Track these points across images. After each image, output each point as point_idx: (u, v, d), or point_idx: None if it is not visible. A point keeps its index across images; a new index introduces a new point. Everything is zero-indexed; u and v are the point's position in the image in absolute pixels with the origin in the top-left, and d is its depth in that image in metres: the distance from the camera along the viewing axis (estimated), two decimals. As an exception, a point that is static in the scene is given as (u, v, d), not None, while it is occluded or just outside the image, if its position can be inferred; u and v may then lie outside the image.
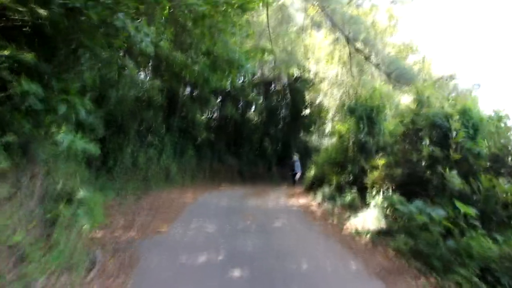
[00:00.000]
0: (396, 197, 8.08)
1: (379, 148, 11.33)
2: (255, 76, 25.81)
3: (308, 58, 19.16)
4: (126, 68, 11.18)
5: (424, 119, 8.58)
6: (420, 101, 9.20)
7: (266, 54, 19.02)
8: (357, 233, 8.14)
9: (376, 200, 9.28)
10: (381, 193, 9.43)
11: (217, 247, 6.69)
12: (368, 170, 10.94)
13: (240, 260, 6.06)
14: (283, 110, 29.38)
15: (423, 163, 8.43)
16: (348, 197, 11.26)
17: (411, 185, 8.54)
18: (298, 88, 26.99)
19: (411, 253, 6.06)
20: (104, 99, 11.68)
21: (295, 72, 21.51)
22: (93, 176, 12.19)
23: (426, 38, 50.60)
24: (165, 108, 18.35)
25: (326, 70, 17.53)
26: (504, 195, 6.35)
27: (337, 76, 16.70)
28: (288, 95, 28.29)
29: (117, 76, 11.50)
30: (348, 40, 12.45)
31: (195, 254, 6.25)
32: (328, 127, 18.15)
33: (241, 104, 26.15)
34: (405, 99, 12.75)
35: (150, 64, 15.09)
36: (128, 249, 6.34)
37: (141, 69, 14.31)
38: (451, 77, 12.65)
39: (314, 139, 20.97)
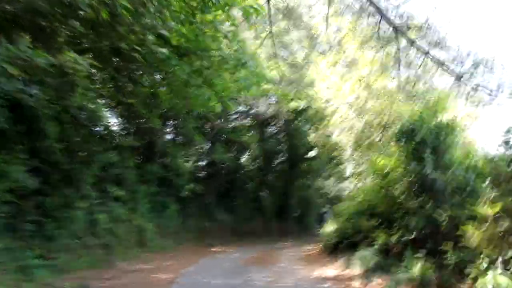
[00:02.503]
0: None
1: (456, 188, 7.38)
2: (249, 114, 22.24)
3: (315, 86, 15.67)
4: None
5: None
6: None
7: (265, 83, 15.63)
8: None
9: (494, 279, 5.20)
10: (498, 263, 5.37)
11: None
12: (446, 223, 6.96)
13: None
14: (282, 154, 25.48)
15: None
16: (415, 268, 7.11)
17: None
18: (299, 127, 23.40)
19: None
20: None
21: (300, 103, 17.96)
22: (18, 249, 7.99)
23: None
24: (138, 151, 14.36)
25: (343, 95, 13.94)
26: None
27: (358, 99, 13.06)
28: (288, 136, 24.52)
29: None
30: (396, 30, 8.81)
31: None
32: (348, 168, 14.22)
33: (233, 148, 22.15)
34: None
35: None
36: None
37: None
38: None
39: (326, 185, 16.96)
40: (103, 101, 10.94)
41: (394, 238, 8.34)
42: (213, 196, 20.61)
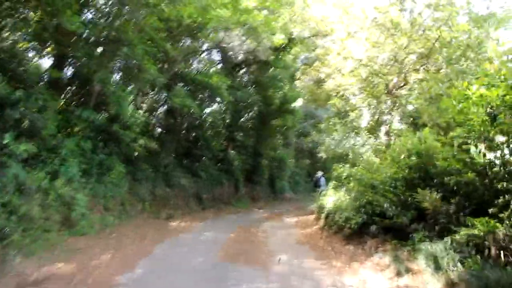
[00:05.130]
0: None
1: None
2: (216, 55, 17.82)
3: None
4: None
5: None
6: None
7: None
8: None
9: None
10: None
11: None
12: None
13: None
14: (253, 107, 21.27)
15: None
16: None
17: None
18: (275, 75, 19.27)
19: None
20: None
21: (287, 36, 13.81)
22: None
23: None
24: (62, 88, 9.83)
25: (356, 16, 9.99)
26: None
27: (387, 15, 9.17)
28: (261, 86, 20.29)
29: None
30: None
31: None
32: (362, 118, 10.43)
33: (197, 97, 17.60)
34: None
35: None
36: None
37: None
38: None
39: (320, 142, 13.39)
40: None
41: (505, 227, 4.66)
42: (171, 156, 16.41)
